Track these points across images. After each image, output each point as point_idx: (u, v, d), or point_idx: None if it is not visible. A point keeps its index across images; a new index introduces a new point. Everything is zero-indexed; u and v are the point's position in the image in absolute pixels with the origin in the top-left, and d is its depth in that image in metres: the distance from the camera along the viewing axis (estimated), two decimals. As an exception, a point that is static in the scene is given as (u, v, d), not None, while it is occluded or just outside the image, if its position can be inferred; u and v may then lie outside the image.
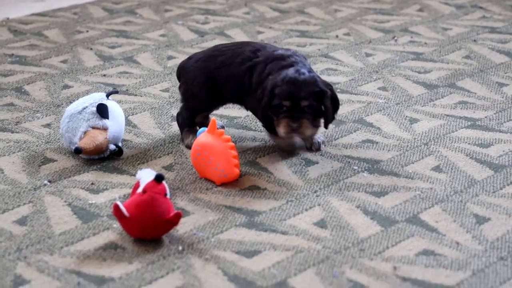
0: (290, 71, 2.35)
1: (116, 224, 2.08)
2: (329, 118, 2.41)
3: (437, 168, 2.38)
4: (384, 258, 1.96)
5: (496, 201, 2.20)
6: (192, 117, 2.54)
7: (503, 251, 1.98)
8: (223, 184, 2.29)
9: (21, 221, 2.12)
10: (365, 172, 2.36)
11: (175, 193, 2.25)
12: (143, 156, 2.46)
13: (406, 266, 1.93)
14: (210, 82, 2.50)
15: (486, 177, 2.33)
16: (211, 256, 1.96)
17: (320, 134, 2.46)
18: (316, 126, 2.39)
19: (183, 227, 2.09)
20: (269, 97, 2.34)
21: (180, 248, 2.00)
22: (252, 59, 2.46)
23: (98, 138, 2.40)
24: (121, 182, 2.31)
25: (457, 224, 2.10)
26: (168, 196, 2.07)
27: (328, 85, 2.40)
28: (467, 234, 2.05)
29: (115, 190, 2.26)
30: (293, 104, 2.32)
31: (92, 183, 2.31)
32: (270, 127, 2.43)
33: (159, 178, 2.06)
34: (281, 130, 2.34)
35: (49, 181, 2.31)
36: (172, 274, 1.90)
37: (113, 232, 2.07)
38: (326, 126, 2.43)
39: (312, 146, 2.48)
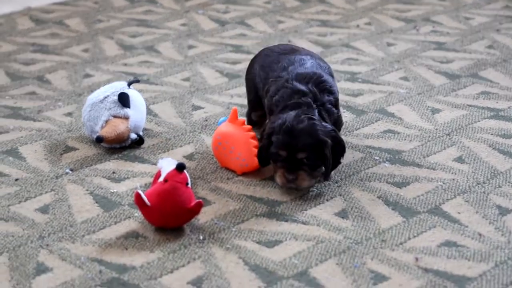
0: (289, 117, 2.15)
1: (138, 213, 2.08)
2: (329, 168, 2.18)
3: (459, 159, 2.36)
4: (405, 249, 1.95)
5: (519, 192, 2.19)
6: (248, 114, 2.51)
7: (526, 242, 1.97)
8: (244, 174, 2.29)
9: (43, 209, 2.12)
10: (387, 162, 2.35)
11: (196, 182, 2.25)
12: (164, 145, 2.46)
13: (428, 257, 1.91)
14: (253, 80, 2.46)
15: (509, 168, 2.30)
16: (232, 245, 1.96)
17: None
18: (315, 177, 2.18)
19: (204, 217, 2.08)
20: (267, 142, 2.18)
21: (201, 237, 2.00)
22: (274, 76, 2.32)
23: (120, 127, 2.40)
24: (142, 171, 2.31)
25: (480, 215, 2.08)
26: (189, 185, 2.07)
27: (331, 131, 2.17)
28: (490, 225, 2.04)
29: (136, 179, 2.26)
30: (289, 155, 2.14)
31: (114, 172, 2.31)
32: (264, 164, 2.24)
33: (180, 167, 2.06)
34: (277, 179, 2.17)
35: (71, 170, 2.31)
36: (193, 263, 1.90)
37: (134, 221, 2.07)
38: (325, 178, 2.20)
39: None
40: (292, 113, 2.16)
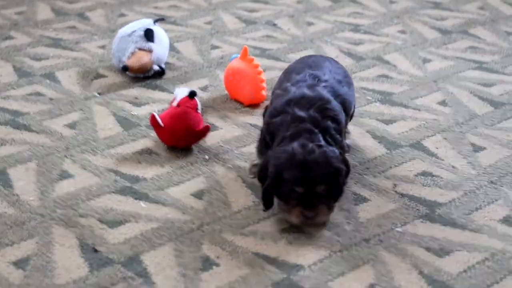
0: (296, 149, 1.67)
1: (153, 133, 2.04)
2: (340, 193, 1.71)
3: (442, 102, 2.28)
4: (386, 176, 1.89)
5: (492, 133, 2.10)
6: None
7: (494, 176, 1.89)
8: (250, 105, 2.23)
9: (71, 125, 2.09)
10: (378, 102, 2.28)
11: (207, 110, 2.20)
12: (183, 78, 2.40)
13: (405, 184, 1.86)
14: None
15: (486, 112, 2.23)
16: (233, 165, 1.92)
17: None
18: (332, 208, 1.70)
19: (211, 140, 2.04)
20: (274, 180, 1.67)
21: (207, 157, 1.96)
22: (283, 87, 1.87)
23: (144, 58, 2.34)
24: (161, 98, 2.26)
25: (455, 151, 2.01)
26: (199, 111, 2.03)
27: (339, 156, 1.70)
28: (463, 160, 1.97)
29: (155, 104, 2.21)
30: (307, 190, 1.65)
31: (136, 97, 2.26)
32: (268, 205, 1.71)
33: (192, 94, 2.01)
34: (294, 219, 1.67)
35: (99, 93, 2.27)
36: (198, 178, 1.86)
37: (149, 139, 2.03)
38: (335, 201, 1.71)
39: None
40: (296, 144, 1.68)
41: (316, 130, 1.71)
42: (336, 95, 1.83)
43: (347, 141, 1.89)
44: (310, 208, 1.65)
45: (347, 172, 1.72)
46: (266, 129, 1.80)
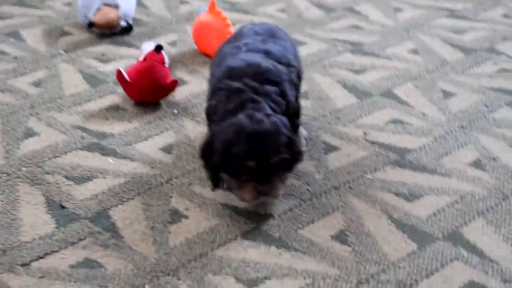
0: (242, 120, 1.52)
1: (120, 90, 2.00)
2: (294, 166, 1.59)
3: (414, 51, 2.26)
4: (356, 125, 1.88)
5: (463, 79, 2.09)
6: None
7: (464, 121, 1.89)
8: (220, 59, 2.21)
9: (37, 84, 2.05)
10: (349, 52, 2.26)
11: (176, 65, 2.17)
12: (151, 33, 2.36)
13: (375, 132, 1.85)
14: None
15: (457, 59, 2.21)
16: (202, 119, 1.87)
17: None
18: (285, 180, 1.57)
19: (179, 94, 2.01)
20: (222, 156, 1.52)
21: (175, 111, 1.93)
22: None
23: (110, 14, 2.30)
24: (129, 54, 2.22)
25: (426, 99, 2.00)
26: (166, 65, 1.99)
27: (287, 124, 1.56)
28: (434, 106, 1.96)
29: (122, 60, 2.18)
30: (259, 164, 1.50)
31: (103, 54, 2.22)
32: (216, 183, 1.57)
33: (158, 48, 1.97)
34: (246, 195, 1.53)
35: (65, 51, 2.23)
36: (166, 132, 1.84)
37: (117, 96, 2.00)
38: (289, 172, 1.59)
39: None
40: (242, 116, 1.53)
41: (260, 98, 1.57)
42: (266, 53, 1.67)
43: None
44: (263, 183, 1.52)
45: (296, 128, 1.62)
46: (206, 115, 1.66)
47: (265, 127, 1.52)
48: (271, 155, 1.51)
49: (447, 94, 2.02)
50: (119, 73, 1.93)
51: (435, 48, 2.28)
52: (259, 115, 1.53)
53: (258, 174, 1.52)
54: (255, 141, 1.51)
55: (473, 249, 1.46)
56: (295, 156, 1.57)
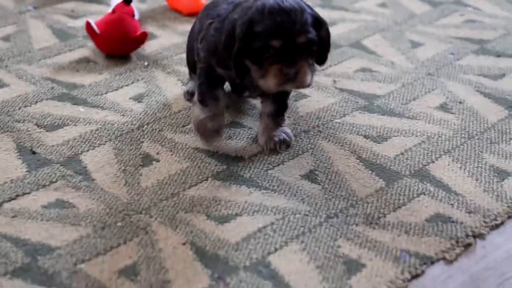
0: (265, 0, 1.42)
1: (90, 43, 2.00)
2: (326, 54, 1.51)
3: (382, 4, 2.28)
4: (326, 74, 1.90)
5: (431, 30, 2.12)
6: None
7: (431, 68, 1.92)
8: (190, 14, 2.20)
9: (5, 38, 2.04)
10: (318, 7, 2.27)
11: (146, 20, 2.16)
12: (120, -9, 2.37)
13: (344, 80, 1.87)
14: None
15: (424, 11, 2.24)
16: (172, 70, 1.90)
17: (286, 127, 1.61)
18: (313, 70, 1.47)
19: (150, 47, 2.01)
20: (243, 40, 1.42)
21: (146, 63, 1.93)
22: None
23: (78, -29, 2.30)
24: (99, 11, 2.21)
25: (394, 48, 2.03)
26: (136, 17, 1.99)
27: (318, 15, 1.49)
28: (402, 55, 1.99)
29: (92, 16, 2.16)
30: (285, 43, 1.40)
31: (72, 10, 2.21)
32: (241, 76, 1.46)
33: (127, 0, 1.96)
34: (271, 81, 1.42)
35: (34, 7, 2.21)
36: (137, 83, 1.84)
37: (87, 49, 2.00)
38: (321, 63, 1.52)
39: (268, 144, 1.59)
40: None
41: None
42: None
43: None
44: (290, 65, 1.40)
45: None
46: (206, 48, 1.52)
47: (289, 4, 1.41)
48: (299, 32, 1.41)
49: (414, 44, 2.05)
50: (88, 25, 1.92)
51: (403, 1, 2.31)
52: None
53: (285, 56, 1.40)
54: (279, 18, 1.40)
55: (439, 184, 1.49)
56: (324, 41, 1.47)
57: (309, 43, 1.42)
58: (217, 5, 1.58)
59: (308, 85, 1.45)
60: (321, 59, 1.51)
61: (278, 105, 1.59)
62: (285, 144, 1.59)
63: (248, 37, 1.41)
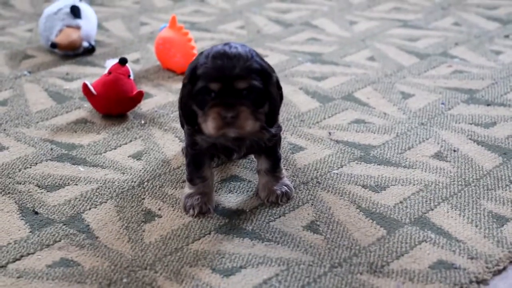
0: (217, 46, 1.45)
1: (87, 104, 2.04)
2: (276, 110, 1.49)
3: (371, 58, 2.35)
4: (321, 126, 1.94)
5: (420, 81, 2.18)
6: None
7: (424, 118, 1.96)
8: (183, 73, 2.25)
9: (2, 103, 2.07)
10: (308, 62, 2.33)
11: (141, 81, 2.21)
12: (114, 53, 2.40)
13: (339, 132, 1.91)
14: None
15: (413, 63, 2.30)
16: (169, 127, 1.93)
17: (285, 179, 1.63)
18: (259, 119, 1.45)
19: (146, 106, 2.05)
20: (188, 84, 1.45)
21: (143, 122, 1.97)
22: None
23: (72, 35, 2.34)
24: (93, 73, 2.26)
25: (386, 100, 2.08)
26: (131, 77, 2.03)
27: (270, 67, 1.51)
28: (394, 106, 2.03)
29: (87, 78, 2.21)
30: (225, 87, 1.40)
31: (67, 73, 2.25)
32: (190, 121, 1.49)
33: (122, 61, 2.01)
34: (211, 125, 1.41)
35: (29, 72, 2.25)
36: (135, 141, 1.87)
37: (84, 110, 2.03)
38: (270, 123, 1.50)
39: (270, 198, 1.60)
40: (219, 45, 1.45)
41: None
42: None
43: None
44: (228, 109, 1.39)
45: (281, 96, 1.51)
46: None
47: (236, 51, 1.42)
48: (237, 77, 1.40)
49: (405, 95, 2.10)
50: (85, 87, 1.96)
51: (391, 55, 2.37)
52: (235, 45, 1.44)
53: (224, 100, 1.40)
54: (220, 62, 1.41)
55: (440, 231, 1.51)
56: (272, 96, 1.46)
57: (250, 89, 1.42)
58: None
59: (250, 131, 1.44)
60: (270, 119, 1.48)
61: (272, 160, 1.61)
62: (286, 196, 1.61)
63: (192, 81, 1.43)
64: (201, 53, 1.50)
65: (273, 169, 1.62)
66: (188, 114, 1.48)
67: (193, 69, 1.44)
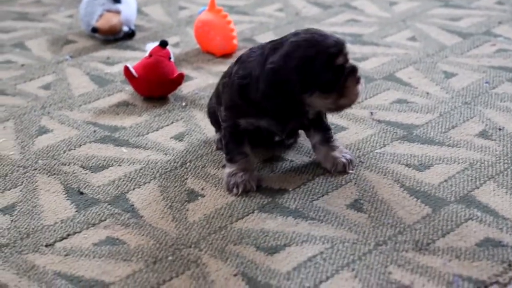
0: (304, 35, 1.50)
1: (128, 87, 2.06)
2: None
3: (412, 38, 2.32)
4: (362, 106, 1.92)
5: (463, 60, 2.15)
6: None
7: (467, 97, 1.94)
8: (223, 56, 2.26)
9: (46, 87, 2.10)
10: (349, 43, 2.30)
11: (181, 64, 2.22)
12: (153, 37, 2.42)
13: (381, 112, 1.89)
14: None
15: (455, 43, 2.27)
16: (211, 109, 1.95)
17: (342, 147, 1.66)
18: None
19: (186, 88, 2.06)
20: (303, 76, 1.46)
21: (184, 104, 1.98)
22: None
23: (113, 20, 2.36)
24: (134, 56, 2.27)
25: (428, 79, 2.05)
26: (172, 59, 2.04)
27: None
28: (436, 86, 2.01)
29: (128, 62, 2.21)
30: (345, 57, 1.52)
31: (108, 57, 2.27)
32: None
33: (163, 44, 2.02)
34: (353, 93, 1.50)
35: (71, 57, 2.28)
36: (176, 123, 1.88)
37: (125, 93, 2.05)
38: None
39: (337, 168, 1.62)
40: (293, 37, 1.50)
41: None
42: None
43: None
44: (358, 76, 1.51)
45: None
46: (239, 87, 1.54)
47: (320, 31, 1.52)
48: (345, 45, 1.52)
49: (448, 75, 2.07)
50: (126, 69, 1.97)
51: (432, 34, 2.34)
52: (303, 31, 1.51)
53: (353, 69, 1.51)
54: (329, 39, 1.49)
55: (487, 209, 1.49)
56: None
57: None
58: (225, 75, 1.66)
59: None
60: None
61: (322, 130, 1.64)
62: (352, 164, 1.63)
63: (307, 71, 1.45)
64: (275, 48, 1.49)
65: (327, 139, 1.64)
66: (293, 103, 1.49)
67: (307, 60, 1.45)
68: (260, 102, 1.51)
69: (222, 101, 1.61)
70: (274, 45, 1.52)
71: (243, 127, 1.58)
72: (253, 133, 1.60)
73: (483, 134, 1.76)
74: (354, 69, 1.51)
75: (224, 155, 1.62)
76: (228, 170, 1.60)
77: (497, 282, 1.32)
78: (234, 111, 1.57)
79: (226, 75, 1.64)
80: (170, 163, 1.69)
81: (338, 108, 1.53)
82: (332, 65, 1.48)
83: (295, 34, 1.52)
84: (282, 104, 1.50)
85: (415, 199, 1.54)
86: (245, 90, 1.53)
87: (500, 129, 1.78)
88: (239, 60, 1.59)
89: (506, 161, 1.65)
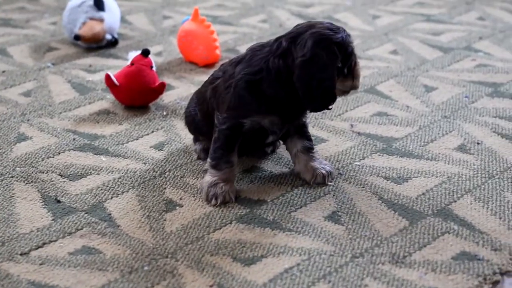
0: (318, 30, 1.55)
1: (109, 96, 2.05)
2: None
3: (394, 52, 2.33)
4: (343, 119, 1.92)
5: (444, 74, 2.16)
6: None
7: (447, 111, 1.94)
8: (205, 66, 2.25)
9: (26, 94, 2.08)
10: (331, 56, 2.32)
11: (163, 73, 2.21)
12: (136, 46, 2.41)
13: (361, 124, 1.89)
14: None
15: (436, 57, 2.28)
16: (192, 119, 1.94)
17: (321, 158, 1.68)
18: None
19: (168, 98, 2.05)
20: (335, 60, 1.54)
21: (165, 113, 1.97)
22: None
23: (96, 27, 2.35)
24: (116, 65, 2.26)
25: (409, 93, 2.06)
26: (154, 69, 2.04)
27: None
28: (417, 99, 2.02)
29: (110, 70, 2.20)
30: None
31: (90, 65, 2.26)
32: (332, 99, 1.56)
33: (145, 52, 2.01)
34: (359, 73, 1.61)
35: (53, 64, 2.26)
36: (157, 132, 1.87)
37: (106, 101, 2.03)
38: None
39: (316, 179, 1.63)
40: (318, 31, 1.55)
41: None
42: None
43: None
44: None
45: None
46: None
47: (326, 22, 1.60)
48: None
49: (428, 88, 2.08)
50: (107, 78, 1.96)
51: (414, 48, 2.35)
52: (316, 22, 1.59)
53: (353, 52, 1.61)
54: (340, 28, 1.58)
55: (463, 223, 1.50)
56: None
57: None
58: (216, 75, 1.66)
59: None
60: None
61: (305, 139, 1.64)
62: (331, 175, 1.64)
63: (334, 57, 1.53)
64: (293, 40, 1.53)
65: (308, 148, 1.65)
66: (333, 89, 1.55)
67: (340, 45, 1.54)
68: (275, 96, 1.53)
69: (220, 103, 1.59)
70: (291, 39, 1.54)
71: (247, 127, 1.57)
72: (249, 136, 1.59)
73: (461, 148, 1.77)
74: (355, 53, 1.61)
75: (207, 162, 1.59)
76: (209, 178, 1.59)
77: (472, 296, 1.32)
78: (241, 111, 1.56)
79: (216, 79, 1.63)
80: (149, 172, 1.68)
81: (352, 88, 1.61)
82: (351, 50, 1.58)
83: (311, 26, 1.57)
84: (315, 90, 1.51)
85: (392, 211, 1.54)
86: (256, 86, 1.54)
87: (478, 143, 1.79)
88: (240, 60, 1.59)
89: (483, 175, 1.66)
